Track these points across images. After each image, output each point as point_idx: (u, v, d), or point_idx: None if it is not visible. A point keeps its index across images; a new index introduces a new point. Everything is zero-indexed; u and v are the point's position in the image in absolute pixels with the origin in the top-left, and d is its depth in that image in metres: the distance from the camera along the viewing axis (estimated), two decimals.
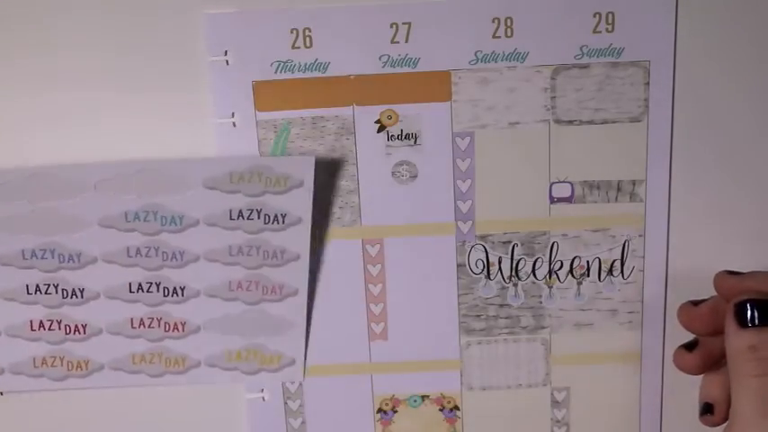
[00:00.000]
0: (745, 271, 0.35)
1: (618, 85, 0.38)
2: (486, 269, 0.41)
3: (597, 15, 0.37)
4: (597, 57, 0.38)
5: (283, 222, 0.37)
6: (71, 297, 0.35)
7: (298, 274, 0.38)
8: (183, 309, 0.37)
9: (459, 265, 0.40)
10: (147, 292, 0.36)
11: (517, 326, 0.41)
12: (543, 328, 0.41)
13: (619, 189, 0.39)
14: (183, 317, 0.37)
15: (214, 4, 0.37)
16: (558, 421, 0.42)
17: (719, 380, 0.35)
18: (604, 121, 0.39)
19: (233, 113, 0.38)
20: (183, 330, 0.36)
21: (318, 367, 0.41)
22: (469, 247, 0.40)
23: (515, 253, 0.40)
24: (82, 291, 0.35)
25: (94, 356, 0.36)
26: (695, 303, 0.36)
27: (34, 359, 0.36)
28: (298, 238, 0.38)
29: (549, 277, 0.41)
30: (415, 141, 0.39)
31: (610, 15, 0.37)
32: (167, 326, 0.36)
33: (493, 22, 0.37)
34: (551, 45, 0.38)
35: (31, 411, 0.41)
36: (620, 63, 0.38)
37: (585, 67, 0.38)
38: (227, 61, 0.38)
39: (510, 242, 0.40)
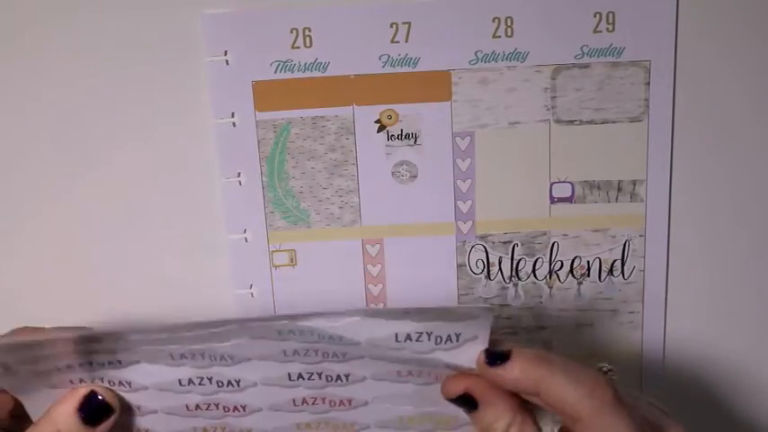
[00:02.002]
0: None
1: (618, 84, 0.38)
2: (486, 269, 0.40)
3: (597, 15, 0.37)
4: (597, 56, 0.38)
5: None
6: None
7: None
8: None
9: (459, 266, 0.40)
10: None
11: (517, 326, 0.41)
12: (544, 328, 0.41)
13: (619, 189, 0.39)
14: None
15: (213, 4, 0.37)
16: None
17: None
18: (605, 121, 0.39)
19: (233, 113, 0.38)
20: None
21: None
22: (470, 248, 0.40)
23: (516, 253, 0.40)
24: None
25: None
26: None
27: None
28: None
29: (550, 277, 0.41)
30: (415, 141, 0.39)
31: (610, 15, 0.37)
32: None
33: (493, 21, 0.37)
34: (551, 45, 0.38)
35: None
36: (621, 63, 0.38)
37: (586, 66, 0.38)
38: (226, 61, 0.38)
39: (510, 242, 0.40)
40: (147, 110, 0.38)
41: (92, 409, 0.32)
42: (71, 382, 0.32)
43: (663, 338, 0.41)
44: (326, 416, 0.35)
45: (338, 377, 0.34)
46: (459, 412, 0.33)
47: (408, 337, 0.31)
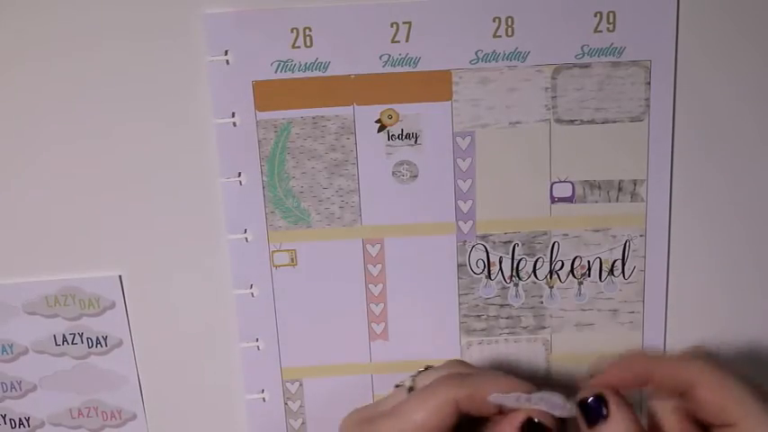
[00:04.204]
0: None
1: (619, 84, 0.38)
2: (486, 269, 0.40)
3: (598, 15, 0.37)
4: (598, 56, 0.38)
5: (106, 345, 0.39)
6: None
7: (131, 397, 0.40)
8: None
9: (459, 265, 0.40)
10: None
11: (518, 326, 0.41)
12: (544, 328, 0.41)
13: (620, 189, 0.39)
14: None
15: (214, 4, 0.37)
16: None
17: None
18: (605, 121, 0.39)
19: (233, 113, 0.38)
20: None
21: (318, 368, 0.41)
22: (470, 247, 0.40)
23: (516, 253, 0.40)
24: None
25: None
26: None
27: None
28: (123, 361, 0.40)
29: (550, 277, 0.41)
30: (416, 141, 0.39)
31: (611, 15, 0.37)
32: None
33: (493, 21, 0.37)
34: (552, 44, 0.38)
35: None
36: (621, 62, 0.38)
37: (586, 66, 0.38)
38: (227, 61, 0.38)
39: (511, 242, 0.40)
40: (148, 109, 0.38)
41: None
42: None
43: (663, 338, 0.41)
44: None
45: (21, 422, 0.38)
46: None
47: (65, 338, 0.37)
